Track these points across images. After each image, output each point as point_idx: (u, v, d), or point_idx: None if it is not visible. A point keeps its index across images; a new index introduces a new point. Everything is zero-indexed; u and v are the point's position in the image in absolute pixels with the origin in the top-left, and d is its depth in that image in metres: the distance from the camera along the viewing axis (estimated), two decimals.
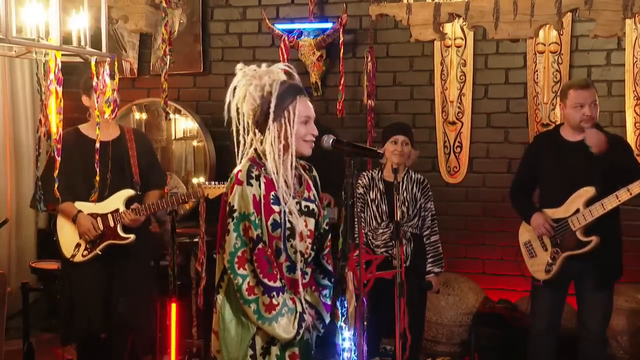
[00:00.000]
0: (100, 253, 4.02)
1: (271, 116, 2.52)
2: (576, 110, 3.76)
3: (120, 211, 4.04)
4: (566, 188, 3.79)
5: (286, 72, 2.64)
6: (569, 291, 3.96)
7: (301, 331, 2.53)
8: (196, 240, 4.66)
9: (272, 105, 2.51)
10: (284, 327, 2.49)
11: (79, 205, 4.03)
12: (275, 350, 2.55)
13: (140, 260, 4.16)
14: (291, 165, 2.56)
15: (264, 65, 2.62)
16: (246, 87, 2.57)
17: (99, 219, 4.04)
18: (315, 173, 2.75)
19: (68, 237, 4.06)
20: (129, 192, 4.08)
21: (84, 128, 4.12)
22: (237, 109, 2.58)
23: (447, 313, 4.86)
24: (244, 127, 2.59)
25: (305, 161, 2.73)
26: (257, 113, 2.57)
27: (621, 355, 4.54)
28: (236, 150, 2.59)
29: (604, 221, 3.71)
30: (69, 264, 4.07)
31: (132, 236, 4.05)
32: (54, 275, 4.78)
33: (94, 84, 3.01)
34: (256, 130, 2.60)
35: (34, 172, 4.39)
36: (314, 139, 2.62)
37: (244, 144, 2.59)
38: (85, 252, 4.03)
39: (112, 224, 4.04)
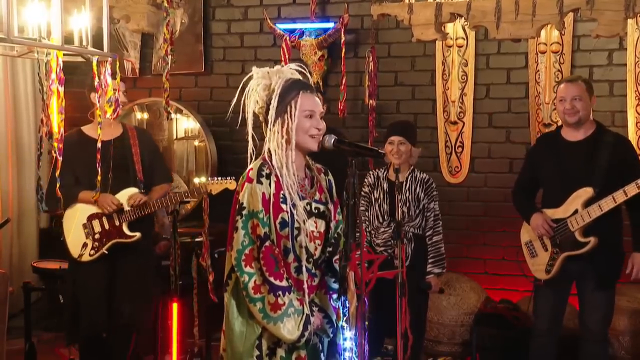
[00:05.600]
0: (106, 252, 4.03)
1: (273, 112, 2.53)
2: (561, 103, 3.79)
3: (125, 210, 4.04)
4: (567, 188, 3.79)
5: (299, 72, 2.63)
6: (571, 291, 3.96)
7: (306, 333, 2.51)
8: (198, 240, 4.66)
9: (274, 101, 2.53)
10: (288, 328, 2.48)
11: (83, 205, 4.05)
12: (280, 352, 2.54)
13: (145, 258, 4.16)
14: (293, 159, 2.55)
15: (277, 66, 2.63)
16: (255, 87, 2.58)
17: (104, 218, 4.05)
18: (330, 177, 2.73)
19: (75, 237, 4.07)
20: (132, 191, 4.08)
21: (86, 129, 4.14)
22: (246, 109, 2.58)
23: (448, 313, 4.86)
24: (252, 128, 2.58)
25: (321, 165, 2.73)
26: (263, 112, 2.58)
27: (623, 355, 4.54)
28: (248, 151, 2.58)
29: (604, 222, 3.71)
30: (76, 264, 4.08)
31: (138, 234, 4.07)
32: (55, 275, 4.78)
33: (96, 83, 3.02)
34: (267, 130, 2.60)
35: (35, 173, 4.38)
36: (319, 132, 2.58)
37: (254, 144, 2.59)
38: (92, 252, 4.04)
39: (117, 222, 4.05)
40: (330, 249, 2.66)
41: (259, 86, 2.57)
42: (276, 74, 2.58)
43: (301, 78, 2.63)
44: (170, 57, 4.32)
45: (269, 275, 2.47)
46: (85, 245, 4.04)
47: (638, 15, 3.95)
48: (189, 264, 4.58)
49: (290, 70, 2.62)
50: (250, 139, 2.57)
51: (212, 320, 4.55)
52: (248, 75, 2.60)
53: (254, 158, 2.60)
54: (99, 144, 3.25)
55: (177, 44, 4.77)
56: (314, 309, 2.59)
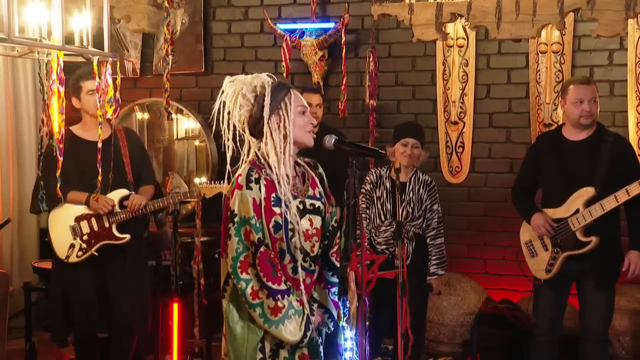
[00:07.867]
0: (95, 254, 3.99)
1: (267, 110, 2.52)
2: (575, 106, 3.77)
3: (114, 211, 4.02)
4: (567, 188, 3.79)
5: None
6: (571, 291, 3.96)
7: (308, 333, 2.51)
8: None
9: (267, 98, 2.53)
10: (290, 330, 2.48)
11: (71, 206, 4.00)
12: (283, 353, 2.55)
13: (135, 260, 4.12)
14: (290, 154, 2.56)
15: (249, 75, 2.63)
16: (238, 92, 2.57)
17: (93, 219, 4.01)
18: (321, 170, 2.75)
19: (61, 237, 4.01)
20: (123, 192, 4.04)
21: (74, 129, 4.10)
22: (229, 116, 2.58)
23: (449, 313, 4.86)
24: (233, 134, 2.58)
25: (310, 158, 2.74)
26: (253, 113, 2.57)
27: (623, 355, 4.54)
28: (227, 156, 2.57)
29: (605, 222, 3.71)
30: (62, 264, 4.03)
31: (127, 236, 4.02)
32: None
33: (96, 83, 3.02)
34: (254, 134, 2.60)
35: (36, 173, 4.37)
36: (313, 128, 2.65)
37: (234, 150, 2.58)
38: (80, 253, 3.98)
39: (107, 224, 4.01)
40: (326, 242, 2.68)
41: (242, 89, 2.57)
42: (254, 78, 2.59)
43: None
44: (170, 57, 4.32)
45: (267, 280, 2.47)
46: (72, 246, 3.98)
47: (638, 15, 3.95)
48: (190, 264, 4.58)
49: (264, 75, 2.61)
50: (229, 148, 2.56)
51: (212, 320, 4.56)
52: (222, 89, 2.60)
53: (229, 167, 2.59)
54: (99, 144, 3.25)
55: (177, 44, 4.77)
56: (314, 306, 2.60)
